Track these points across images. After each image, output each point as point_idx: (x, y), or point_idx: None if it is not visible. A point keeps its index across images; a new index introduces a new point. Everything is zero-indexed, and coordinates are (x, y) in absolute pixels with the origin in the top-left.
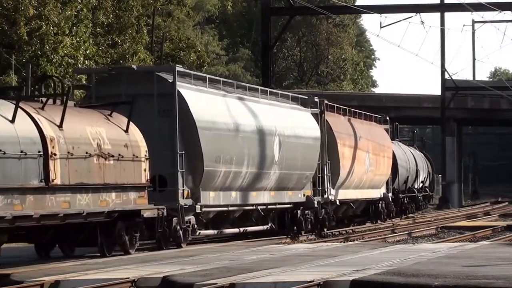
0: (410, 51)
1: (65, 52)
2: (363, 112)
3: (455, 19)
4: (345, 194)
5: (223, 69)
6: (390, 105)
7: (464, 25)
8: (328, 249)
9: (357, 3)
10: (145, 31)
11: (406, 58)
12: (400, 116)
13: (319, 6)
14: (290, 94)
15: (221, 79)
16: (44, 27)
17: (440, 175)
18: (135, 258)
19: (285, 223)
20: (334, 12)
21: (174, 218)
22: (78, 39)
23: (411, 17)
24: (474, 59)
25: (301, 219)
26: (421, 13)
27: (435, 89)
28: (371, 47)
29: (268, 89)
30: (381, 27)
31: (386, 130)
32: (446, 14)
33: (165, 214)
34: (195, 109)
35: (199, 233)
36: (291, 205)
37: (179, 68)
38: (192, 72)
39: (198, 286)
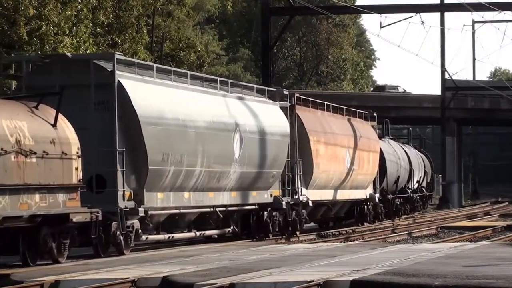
0: (410, 51)
1: (65, 52)
2: (344, 107)
3: (455, 19)
4: (320, 194)
5: (223, 69)
6: (390, 105)
7: (464, 25)
8: (328, 249)
9: (357, 3)
10: (145, 31)
11: (406, 58)
12: (400, 116)
13: (319, 6)
14: (255, 86)
15: (173, 69)
16: (44, 27)
17: (440, 175)
18: (135, 258)
19: (250, 225)
20: (334, 12)
21: (113, 223)
22: (78, 39)
23: (411, 17)
24: (474, 59)
25: (268, 221)
26: (421, 13)
27: (435, 89)
28: (371, 47)
29: (229, 80)
30: (381, 27)
31: (374, 127)
32: (446, 14)
33: (99, 218)
34: (138, 102)
35: (146, 238)
36: (256, 207)
37: (119, 55)
38: (137, 61)
39: (198, 286)
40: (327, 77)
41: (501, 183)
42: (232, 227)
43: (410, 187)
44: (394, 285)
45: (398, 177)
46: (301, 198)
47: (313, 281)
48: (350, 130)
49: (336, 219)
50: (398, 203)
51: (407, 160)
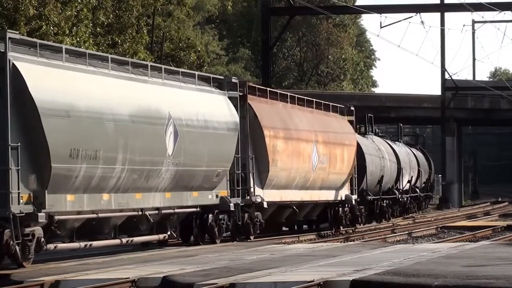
0: (410, 51)
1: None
2: (314, 99)
3: (455, 19)
4: (281, 195)
5: (223, 69)
6: (390, 105)
7: (464, 25)
8: (328, 249)
9: (357, 3)
10: (145, 31)
11: (406, 58)
12: (400, 116)
13: (319, 6)
14: (197, 73)
15: (90, 51)
16: (44, 27)
17: (440, 175)
18: (135, 258)
19: (192, 230)
20: (334, 12)
21: (6, 231)
22: (78, 39)
23: (411, 17)
24: (474, 59)
25: (213, 225)
26: (421, 13)
27: (435, 89)
28: (371, 47)
29: (163, 66)
30: (381, 27)
31: (351, 122)
32: (446, 14)
33: None
34: (37, 89)
35: (55, 247)
36: (198, 209)
37: (13, 34)
38: (39, 41)
39: (198, 286)
40: (327, 77)
41: (501, 183)
42: (169, 232)
43: (399, 188)
44: (394, 285)
45: (382, 176)
46: (254, 199)
47: (313, 281)
48: (320, 124)
49: (308, 222)
50: (385, 205)
51: (394, 158)
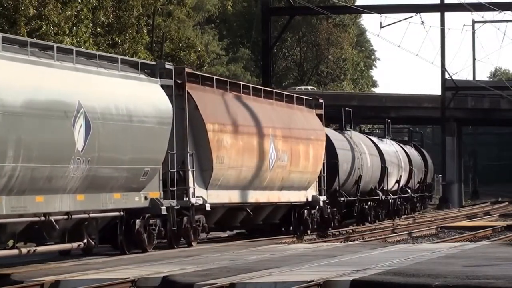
0: (410, 51)
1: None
2: (274, 90)
3: (455, 19)
4: (230, 196)
5: (223, 69)
6: (390, 105)
7: (464, 25)
8: (328, 249)
9: (357, 3)
10: (145, 31)
11: (406, 58)
12: (400, 116)
13: (319, 6)
14: (120, 57)
15: None
16: (44, 27)
17: (440, 175)
18: (135, 258)
19: (116, 237)
20: (334, 12)
21: None
22: (78, 39)
23: (411, 17)
24: (474, 59)
25: (141, 231)
26: (421, 13)
27: (435, 89)
28: (371, 47)
29: (75, 48)
30: (381, 27)
31: (320, 116)
32: (446, 14)
33: None
34: None
35: None
36: (122, 213)
37: None
38: None
39: (198, 286)
40: (327, 77)
41: (501, 183)
42: (85, 240)
43: (385, 188)
44: (394, 285)
45: (360, 176)
46: (193, 200)
47: (313, 281)
48: (281, 118)
49: (271, 226)
50: (367, 206)
51: (378, 156)
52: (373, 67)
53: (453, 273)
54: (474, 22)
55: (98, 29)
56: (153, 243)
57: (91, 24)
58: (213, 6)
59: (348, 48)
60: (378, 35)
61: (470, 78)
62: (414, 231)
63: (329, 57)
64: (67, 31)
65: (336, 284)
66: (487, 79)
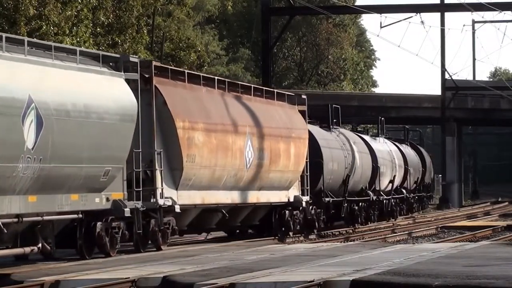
0: (410, 51)
1: None
2: (252, 85)
3: (455, 19)
4: (203, 197)
5: (223, 69)
6: (390, 105)
7: (464, 25)
8: (328, 249)
9: (357, 3)
10: (145, 31)
11: (406, 58)
12: (400, 116)
13: (319, 6)
14: (79, 49)
15: None
16: (44, 27)
17: (440, 175)
18: (135, 258)
19: (75, 240)
20: (334, 12)
21: None
22: (78, 39)
23: (411, 17)
24: (474, 59)
25: (102, 235)
26: (421, 13)
27: (435, 89)
28: (371, 47)
29: (26, 39)
30: (381, 27)
31: (302, 112)
32: (446, 14)
33: None
34: None
35: None
36: (81, 215)
37: None
38: None
39: (198, 286)
40: (327, 77)
41: (501, 183)
42: (40, 245)
43: (377, 189)
44: (394, 285)
45: (348, 176)
46: (161, 202)
47: (313, 281)
48: (259, 114)
49: (251, 228)
50: (356, 208)
51: (369, 155)
52: (373, 67)
53: (453, 273)
54: (474, 22)
55: (98, 29)
56: (115, 247)
57: (91, 24)
58: (213, 6)
59: (348, 48)
60: (378, 35)
61: (470, 78)
62: (414, 231)
63: (329, 57)
64: (67, 31)
65: (336, 284)
66: (487, 79)
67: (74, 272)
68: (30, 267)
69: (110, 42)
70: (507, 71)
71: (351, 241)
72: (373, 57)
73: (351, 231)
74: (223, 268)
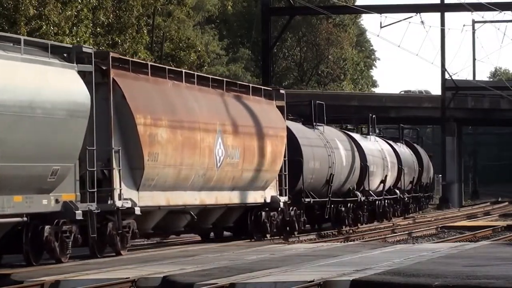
0: (410, 51)
1: None
2: (225, 79)
3: (455, 19)
4: (168, 198)
5: (223, 69)
6: (390, 105)
7: (464, 25)
8: (328, 249)
9: (357, 3)
10: (145, 31)
11: (406, 58)
12: (400, 116)
13: (319, 6)
14: (23, 38)
15: None
16: (44, 27)
17: (440, 175)
18: (135, 258)
19: (21, 246)
20: (334, 12)
21: None
22: (78, 39)
23: (411, 17)
24: (474, 59)
25: (51, 239)
26: (421, 13)
27: (435, 89)
28: (371, 47)
29: None
30: (381, 27)
31: (280, 108)
32: (446, 14)
33: None
34: None
35: None
36: (26, 218)
37: None
38: None
39: (198, 286)
40: (327, 77)
41: (501, 183)
42: None
43: (367, 189)
44: (394, 285)
45: (332, 175)
46: (119, 203)
47: (313, 281)
48: (231, 110)
49: (227, 229)
50: (343, 209)
51: (357, 154)
52: (373, 67)
53: (453, 273)
54: (474, 22)
55: (98, 29)
56: (66, 253)
57: (91, 24)
58: (213, 6)
59: (348, 48)
60: (378, 35)
61: (470, 78)
62: (414, 231)
63: (329, 57)
64: (67, 31)
65: (336, 284)
66: (487, 79)
67: (74, 272)
68: (30, 267)
69: (110, 42)
70: (507, 71)
71: (351, 241)
72: (373, 57)
73: (351, 231)
74: (223, 268)
